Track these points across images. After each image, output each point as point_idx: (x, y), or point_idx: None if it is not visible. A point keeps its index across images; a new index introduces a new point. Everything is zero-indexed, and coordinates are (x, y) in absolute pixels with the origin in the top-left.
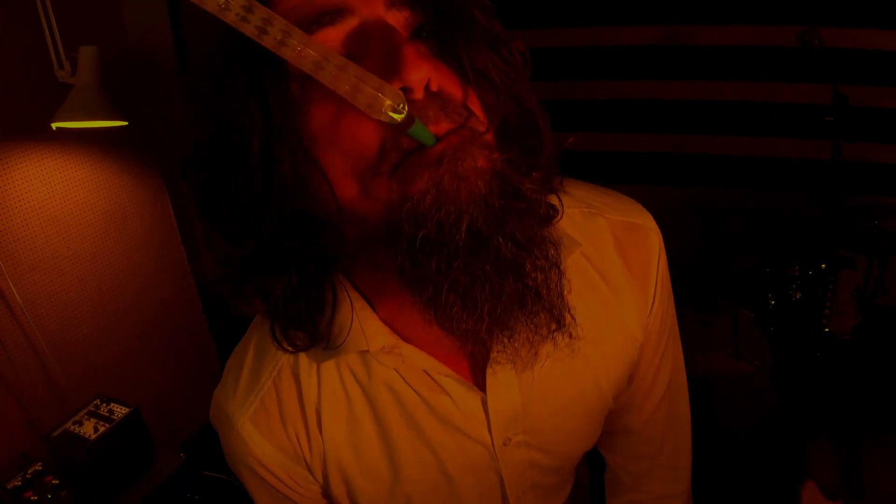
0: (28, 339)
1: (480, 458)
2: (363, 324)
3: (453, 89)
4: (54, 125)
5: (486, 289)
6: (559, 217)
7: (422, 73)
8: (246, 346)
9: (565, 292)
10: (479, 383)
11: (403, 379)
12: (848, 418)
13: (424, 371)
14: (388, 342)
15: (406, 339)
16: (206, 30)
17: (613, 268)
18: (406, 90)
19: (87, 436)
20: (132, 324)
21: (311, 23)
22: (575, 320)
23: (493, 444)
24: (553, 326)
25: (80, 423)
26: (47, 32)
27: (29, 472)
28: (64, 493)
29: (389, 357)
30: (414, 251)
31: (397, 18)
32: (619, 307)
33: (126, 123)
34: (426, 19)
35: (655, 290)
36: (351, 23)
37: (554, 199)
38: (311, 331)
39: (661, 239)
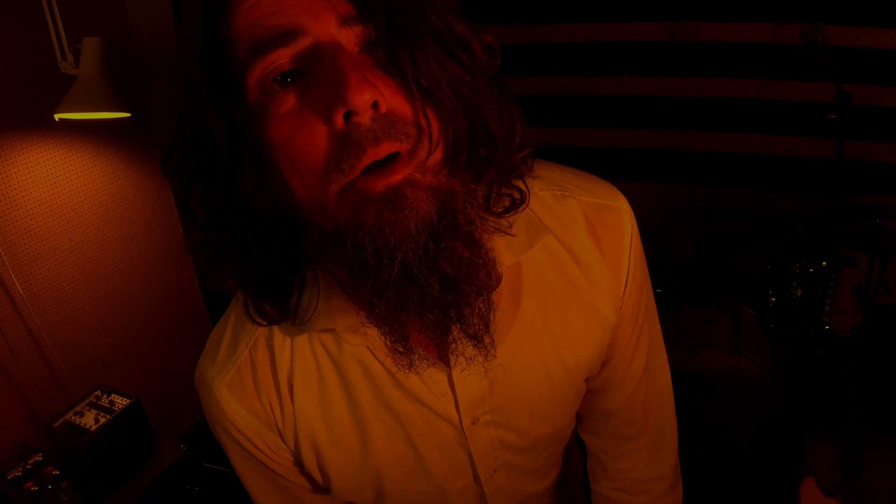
0: (29, 330)
1: (449, 434)
2: (330, 303)
3: (402, 107)
4: (57, 116)
5: (412, 316)
6: (525, 205)
7: (364, 96)
8: (227, 319)
9: (493, 313)
10: (446, 361)
11: (373, 354)
12: (848, 416)
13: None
14: (353, 321)
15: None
16: (179, 39)
17: (585, 250)
18: (351, 114)
19: (87, 427)
20: (134, 315)
21: (265, 45)
22: (494, 343)
23: (461, 423)
24: (472, 344)
25: (81, 414)
26: (50, 24)
27: (29, 462)
28: (64, 483)
29: (356, 336)
30: (354, 268)
31: (349, 36)
32: (591, 289)
33: (129, 115)
34: (377, 33)
35: (628, 272)
36: (303, 42)
37: (522, 185)
38: (280, 308)
39: (634, 220)
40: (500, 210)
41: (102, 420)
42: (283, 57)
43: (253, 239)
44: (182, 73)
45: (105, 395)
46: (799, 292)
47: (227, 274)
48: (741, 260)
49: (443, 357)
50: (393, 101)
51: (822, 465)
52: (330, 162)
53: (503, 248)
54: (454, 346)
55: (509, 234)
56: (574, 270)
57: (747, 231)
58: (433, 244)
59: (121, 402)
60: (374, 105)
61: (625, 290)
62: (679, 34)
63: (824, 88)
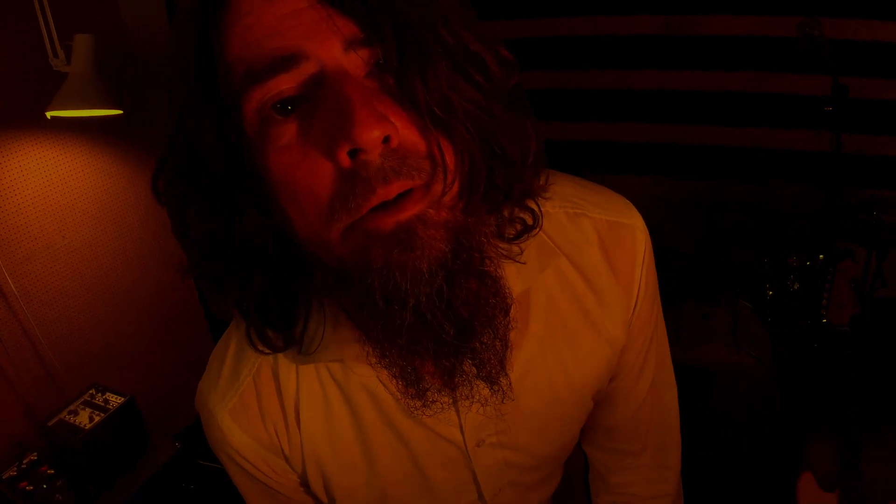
0: (23, 328)
1: (454, 456)
2: (338, 333)
3: (414, 139)
4: (49, 114)
5: (425, 362)
6: (538, 229)
7: (374, 133)
8: (228, 339)
9: (509, 353)
10: (452, 386)
11: (379, 379)
12: (847, 411)
13: None
14: (361, 352)
15: None
16: (170, 56)
17: (597, 270)
18: (358, 151)
19: (82, 425)
20: (128, 313)
21: (263, 71)
22: (511, 385)
23: (465, 445)
24: (488, 386)
25: (76, 413)
26: (42, 21)
27: (24, 461)
28: (59, 482)
29: (364, 366)
30: (362, 310)
31: (355, 61)
32: (601, 310)
33: (121, 112)
34: (386, 55)
35: (639, 291)
36: (307, 69)
37: (535, 206)
38: (286, 336)
39: (648, 237)
40: (511, 235)
41: (97, 419)
42: (283, 84)
43: (253, 270)
44: (174, 93)
45: (99, 394)
46: (796, 286)
47: (228, 302)
48: (740, 254)
49: (448, 383)
50: (405, 133)
51: (821, 459)
52: (334, 200)
53: (513, 274)
54: (468, 389)
55: (520, 262)
56: (584, 292)
57: (747, 225)
58: (448, 287)
59: (115, 400)
60: (385, 140)
61: (635, 308)
62: (675, 28)
63: (824, 82)
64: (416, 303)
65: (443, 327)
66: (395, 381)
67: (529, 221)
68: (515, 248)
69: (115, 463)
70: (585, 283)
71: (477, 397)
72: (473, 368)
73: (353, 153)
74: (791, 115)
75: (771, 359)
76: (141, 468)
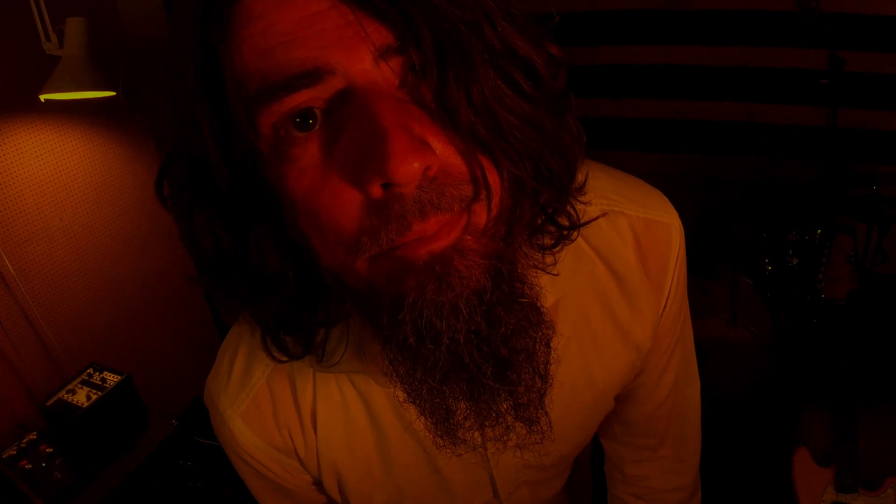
0: (22, 310)
1: (473, 459)
2: (362, 348)
3: (455, 162)
4: (42, 97)
5: (459, 406)
6: (575, 237)
7: (412, 166)
8: (240, 334)
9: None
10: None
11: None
12: (843, 386)
13: None
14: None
15: None
16: (169, 57)
17: (630, 271)
18: (391, 185)
19: (79, 404)
20: (127, 293)
21: (282, 86)
22: (551, 422)
23: (485, 450)
24: (526, 426)
25: (74, 392)
26: (34, 5)
27: (24, 441)
28: (58, 461)
29: (388, 380)
30: (390, 343)
31: (386, 72)
32: (630, 313)
33: (114, 94)
34: (423, 63)
35: (669, 292)
36: (333, 84)
37: (573, 211)
38: (304, 345)
39: (683, 236)
40: (548, 244)
41: (94, 397)
42: (302, 97)
43: (268, 289)
44: (175, 101)
45: (97, 373)
46: (795, 261)
47: (241, 311)
48: (740, 229)
49: (482, 424)
50: (444, 156)
51: (817, 434)
52: (362, 234)
53: (546, 284)
54: (503, 430)
55: (553, 274)
56: (616, 295)
57: (748, 200)
58: (487, 324)
59: (112, 379)
60: (424, 171)
61: (665, 307)
62: (674, 2)
63: (822, 56)
64: (452, 341)
65: (480, 368)
66: (423, 418)
67: (565, 232)
68: (550, 259)
69: (113, 441)
70: (618, 286)
71: (514, 439)
72: (511, 410)
73: (387, 186)
74: (790, 90)
75: (769, 333)
76: (139, 446)
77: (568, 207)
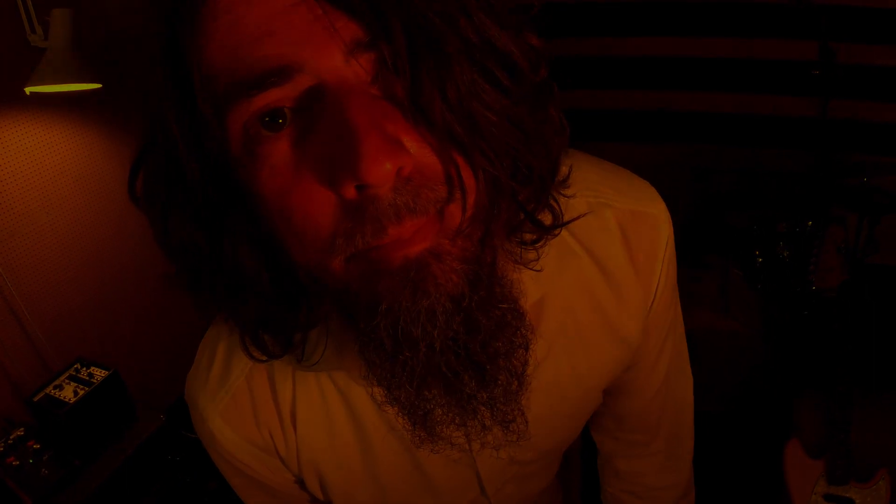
0: (9, 305)
1: (458, 457)
2: (342, 349)
3: (429, 162)
4: (28, 90)
5: (437, 409)
6: (558, 232)
7: (384, 168)
8: (218, 332)
9: (523, 396)
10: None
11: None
12: (835, 377)
13: None
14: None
15: None
16: (139, 54)
17: (617, 265)
18: (364, 186)
19: (66, 399)
20: (114, 288)
21: (250, 84)
22: (527, 422)
23: (470, 448)
24: (503, 428)
25: (61, 388)
26: None
27: (11, 437)
28: (45, 457)
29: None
30: (368, 346)
31: (358, 70)
32: (618, 308)
33: (100, 86)
34: (395, 60)
35: (658, 285)
36: (302, 82)
37: (556, 205)
38: (283, 344)
39: (671, 226)
40: (529, 239)
41: (81, 392)
42: (272, 97)
43: (245, 291)
44: (147, 95)
45: (84, 368)
46: (786, 252)
47: (218, 311)
48: (731, 219)
49: (460, 424)
50: (418, 155)
51: (809, 426)
52: (337, 235)
53: (529, 280)
54: (479, 431)
55: (536, 270)
56: (602, 288)
57: (739, 190)
58: (465, 330)
59: (100, 374)
60: (398, 172)
61: (653, 300)
62: None
63: (813, 47)
64: (429, 348)
65: (458, 375)
66: (401, 419)
67: (548, 222)
68: (532, 254)
69: (100, 436)
70: (604, 280)
71: (491, 441)
72: (488, 412)
73: (361, 188)
74: (782, 81)
75: (759, 325)
76: (126, 441)
77: (551, 202)
